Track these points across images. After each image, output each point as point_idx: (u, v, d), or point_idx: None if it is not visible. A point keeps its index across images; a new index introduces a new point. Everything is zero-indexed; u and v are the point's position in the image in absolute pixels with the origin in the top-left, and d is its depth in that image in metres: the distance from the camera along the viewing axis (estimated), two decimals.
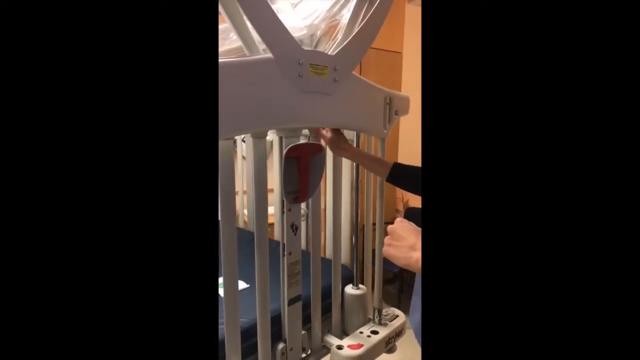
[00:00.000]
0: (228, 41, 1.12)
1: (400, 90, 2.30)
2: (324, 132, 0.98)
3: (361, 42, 0.86)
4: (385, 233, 0.61)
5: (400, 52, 2.36)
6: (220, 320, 0.74)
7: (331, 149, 0.98)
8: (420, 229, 0.57)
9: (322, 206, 1.08)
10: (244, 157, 1.81)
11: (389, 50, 2.26)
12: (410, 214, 2.39)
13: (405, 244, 0.55)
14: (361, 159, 0.99)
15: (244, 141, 1.74)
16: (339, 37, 0.91)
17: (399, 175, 0.90)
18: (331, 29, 0.96)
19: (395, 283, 2.43)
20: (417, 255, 0.53)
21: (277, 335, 0.92)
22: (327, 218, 1.17)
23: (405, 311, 1.13)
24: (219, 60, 0.55)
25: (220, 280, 0.73)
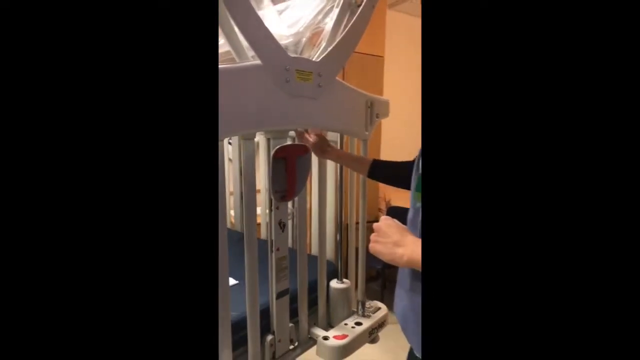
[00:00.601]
0: None
1: (382, 93, 2.37)
2: (307, 136, 1.02)
3: (344, 49, 0.90)
4: (369, 231, 0.64)
5: (382, 56, 2.43)
6: None
7: (315, 153, 1.02)
8: (404, 226, 0.60)
9: (308, 205, 1.13)
10: (230, 160, 1.82)
11: (371, 54, 2.33)
12: (392, 213, 2.44)
13: (390, 240, 0.57)
14: (343, 160, 1.04)
15: (230, 143, 1.76)
16: (323, 44, 0.95)
17: (378, 169, 0.97)
18: (315, 35, 0.99)
19: (378, 280, 2.49)
20: (401, 250, 0.55)
21: (266, 328, 0.96)
22: (312, 216, 1.21)
23: (388, 305, 1.18)
24: None
25: None
